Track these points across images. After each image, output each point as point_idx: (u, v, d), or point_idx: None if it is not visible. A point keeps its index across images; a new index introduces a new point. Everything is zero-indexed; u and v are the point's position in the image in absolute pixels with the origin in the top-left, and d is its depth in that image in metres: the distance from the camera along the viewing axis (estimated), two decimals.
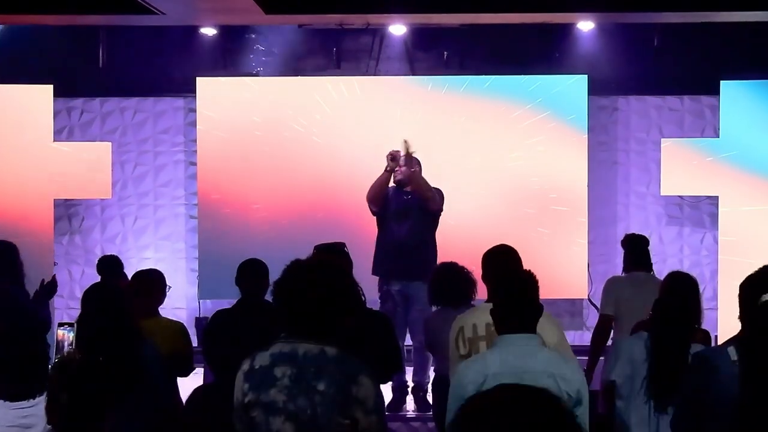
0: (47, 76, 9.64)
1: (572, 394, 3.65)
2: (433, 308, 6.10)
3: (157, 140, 10.29)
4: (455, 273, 5.87)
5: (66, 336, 3.70)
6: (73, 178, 9.55)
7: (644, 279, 6.11)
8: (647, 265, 6.20)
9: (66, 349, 3.68)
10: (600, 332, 6.09)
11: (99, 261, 7.24)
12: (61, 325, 3.68)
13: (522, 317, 3.74)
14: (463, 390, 3.66)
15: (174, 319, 6.03)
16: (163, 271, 6.01)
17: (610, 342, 6.26)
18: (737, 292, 3.87)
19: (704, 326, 5.22)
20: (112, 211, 10.24)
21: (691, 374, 3.93)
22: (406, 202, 7.88)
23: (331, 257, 4.35)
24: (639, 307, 5.86)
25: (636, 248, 6.26)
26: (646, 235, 6.48)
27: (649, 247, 6.35)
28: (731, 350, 3.75)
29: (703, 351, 4.03)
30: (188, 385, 5.87)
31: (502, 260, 4.66)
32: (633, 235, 6.51)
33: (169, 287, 5.94)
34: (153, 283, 5.70)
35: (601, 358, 6.04)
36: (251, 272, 5.61)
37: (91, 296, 4.66)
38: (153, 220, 10.29)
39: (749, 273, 3.91)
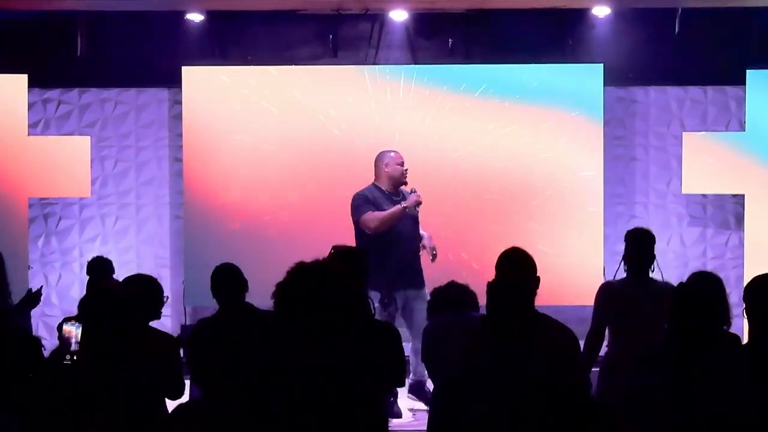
0: (21, 65, 9.64)
1: None
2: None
3: (140, 134, 10.29)
4: (453, 284, 6.01)
5: (74, 332, 3.67)
6: (49, 175, 9.55)
7: (640, 285, 6.07)
8: (647, 268, 6.13)
9: (73, 347, 3.66)
10: (593, 342, 6.07)
11: (90, 262, 7.29)
12: (67, 320, 3.66)
13: (512, 327, 3.74)
14: (447, 403, 3.68)
15: (163, 331, 5.99)
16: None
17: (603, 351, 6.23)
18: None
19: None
20: (91, 211, 10.24)
21: (697, 384, 3.96)
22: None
23: (344, 264, 4.35)
24: (635, 314, 5.87)
25: (638, 247, 6.18)
26: (655, 234, 6.38)
27: (654, 246, 6.26)
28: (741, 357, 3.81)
29: (708, 359, 4.06)
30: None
31: (512, 266, 4.69)
32: (637, 231, 6.40)
33: (167, 297, 5.88)
34: (147, 290, 5.63)
35: (594, 369, 6.06)
36: (228, 278, 5.61)
37: (89, 303, 4.63)
38: (135, 221, 10.28)
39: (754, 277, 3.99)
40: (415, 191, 8.07)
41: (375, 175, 8.24)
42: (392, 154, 8.23)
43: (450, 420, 3.72)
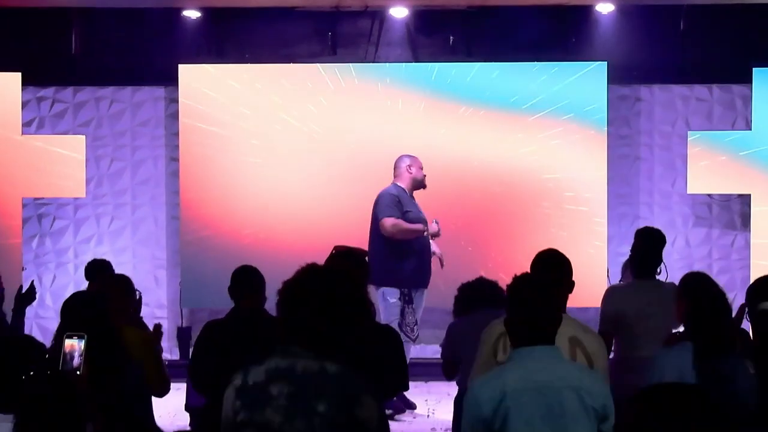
0: (15, 63, 9.63)
1: (598, 408, 3.68)
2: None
3: (136, 133, 10.28)
4: (482, 280, 5.98)
5: (77, 347, 3.66)
6: (43, 175, 9.54)
7: (649, 288, 6.02)
8: (653, 270, 6.07)
9: (76, 361, 3.65)
10: None
11: (88, 265, 7.26)
12: (69, 335, 3.65)
13: (538, 329, 3.74)
14: (479, 409, 3.67)
15: (143, 329, 5.99)
16: (142, 277, 5.98)
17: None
18: None
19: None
20: (86, 211, 10.24)
21: (705, 386, 3.96)
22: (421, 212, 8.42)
23: (348, 265, 4.33)
24: (645, 320, 5.85)
25: (649, 248, 6.11)
26: (665, 235, 6.32)
27: (663, 248, 6.20)
28: (749, 362, 3.83)
29: (717, 362, 4.08)
30: (171, 402, 5.90)
31: (539, 268, 4.68)
32: (647, 230, 6.32)
33: (139, 293, 5.89)
34: (118, 289, 5.63)
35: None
36: (247, 280, 5.53)
37: (73, 307, 4.61)
38: (131, 221, 10.28)
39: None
40: (437, 222, 8.31)
41: (395, 175, 8.42)
42: (414, 158, 8.47)
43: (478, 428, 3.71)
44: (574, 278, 4.89)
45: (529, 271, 4.60)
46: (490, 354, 4.44)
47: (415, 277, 8.22)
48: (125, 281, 5.67)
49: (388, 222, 8.12)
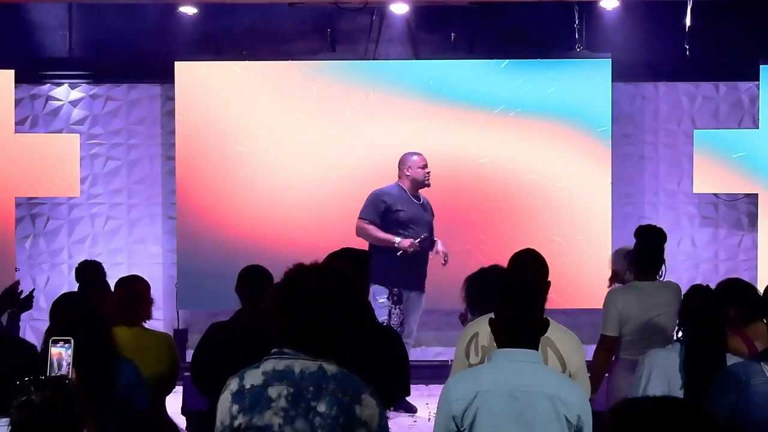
0: (8, 60, 9.63)
1: (572, 419, 3.69)
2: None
3: (131, 132, 10.28)
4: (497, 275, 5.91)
5: (64, 354, 3.65)
6: (36, 174, 9.54)
7: (651, 289, 6.01)
8: (655, 270, 6.06)
9: (64, 369, 3.64)
10: (604, 355, 6.00)
11: (78, 266, 7.26)
12: (54, 342, 3.63)
13: (522, 331, 3.77)
14: (450, 406, 3.72)
15: (159, 331, 6.02)
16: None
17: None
18: None
19: None
20: (81, 211, 10.23)
21: (718, 392, 3.98)
22: (425, 209, 8.50)
23: (346, 264, 4.33)
24: (646, 322, 5.85)
25: (648, 247, 6.09)
26: (666, 233, 6.28)
27: (664, 245, 6.17)
28: (765, 365, 3.84)
29: (731, 366, 4.10)
30: (168, 405, 5.89)
31: (517, 267, 4.70)
32: (646, 228, 6.29)
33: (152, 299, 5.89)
34: (139, 290, 5.66)
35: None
36: (252, 280, 5.47)
37: (62, 307, 4.61)
38: (126, 221, 10.27)
39: None
40: (421, 240, 8.31)
41: (398, 175, 8.54)
42: (415, 157, 8.57)
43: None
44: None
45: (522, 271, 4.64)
46: (463, 355, 4.51)
47: (405, 277, 8.26)
48: (146, 284, 5.70)
49: (358, 224, 8.38)
